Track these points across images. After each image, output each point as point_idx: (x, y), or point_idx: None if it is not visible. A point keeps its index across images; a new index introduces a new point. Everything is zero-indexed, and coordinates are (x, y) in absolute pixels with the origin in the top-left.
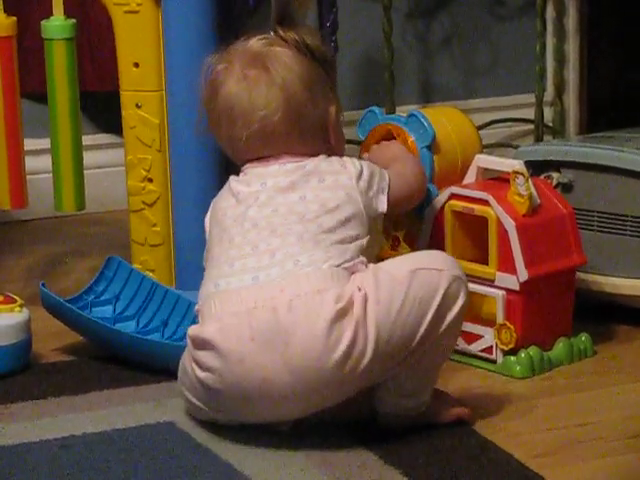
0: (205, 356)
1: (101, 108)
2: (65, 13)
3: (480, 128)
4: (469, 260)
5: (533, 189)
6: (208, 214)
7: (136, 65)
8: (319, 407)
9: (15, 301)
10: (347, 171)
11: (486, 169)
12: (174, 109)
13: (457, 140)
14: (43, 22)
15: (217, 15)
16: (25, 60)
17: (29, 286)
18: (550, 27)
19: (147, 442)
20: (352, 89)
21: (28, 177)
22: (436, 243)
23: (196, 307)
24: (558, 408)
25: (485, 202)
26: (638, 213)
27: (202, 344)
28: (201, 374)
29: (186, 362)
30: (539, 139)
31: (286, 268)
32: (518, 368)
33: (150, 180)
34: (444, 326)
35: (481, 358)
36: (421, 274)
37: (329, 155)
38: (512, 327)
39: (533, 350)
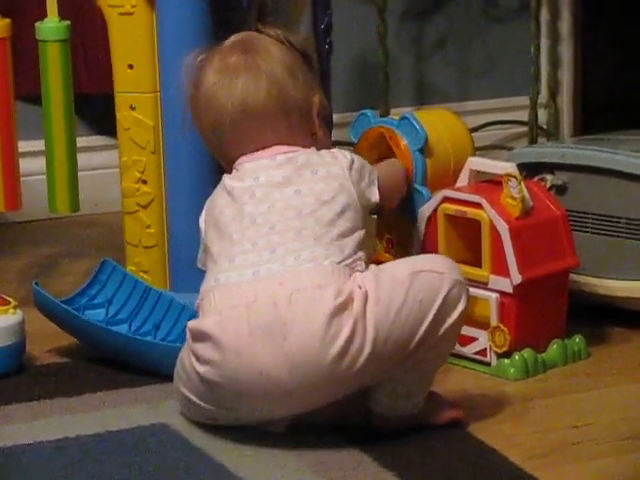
0: (204, 348)
1: (95, 110)
2: (59, 15)
3: (474, 130)
4: (462, 263)
5: (526, 192)
6: (203, 214)
7: (130, 67)
8: (315, 404)
9: (9, 303)
10: (338, 162)
11: (479, 172)
12: (168, 111)
13: (450, 143)
14: (37, 24)
15: (211, 16)
16: (20, 62)
17: (23, 288)
18: (544, 29)
19: (141, 444)
20: (346, 91)
21: (22, 179)
22: (429, 246)
23: (196, 302)
24: (552, 410)
25: (478, 205)
26: (632, 215)
27: (201, 336)
28: (199, 367)
29: (184, 357)
30: (533, 141)
31: (287, 263)
32: (512, 370)
33: (144, 182)
34: (443, 330)
35: (475, 360)
36: (422, 276)
37: (318, 149)
38: (506, 330)
39: (527, 352)
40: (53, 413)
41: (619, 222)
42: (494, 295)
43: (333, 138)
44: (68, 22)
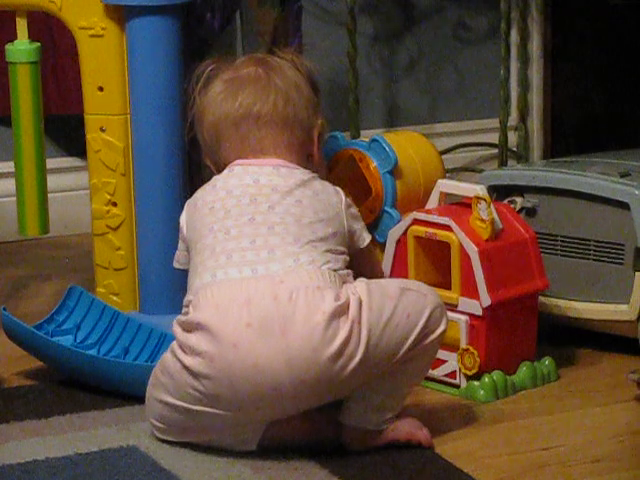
0: (197, 339)
1: (65, 131)
2: (30, 37)
3: (445, 152)
4: (432, 285)
5: (495, 214)
6: (184, 213)
7: (100, 89)
8: (302, 406)
9: None
10: (339, 196)
11: (448, 194)
12: (139, 133)
13: (420, 165)
14: (7, 46)
15: (182, 39)
16: None
17: None
18: (514, 52)
19: (110, 466)
20: None
21: None
22: (399, 268)
23: (186, 299)
24: (522, 432)
25: (447, 227)
26: (601, 238)
27: (195, 327)
28: (188, 359)
29: (167, 357)
30: (503, 163)
31: (287, 264)
32: (482, 393)
33: (114, 204)
34: (422, 348)
35: (445, 383)
36: (409, 294)
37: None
38: (475, 352)
39: (497, 375)
40: (22, 436)
41: (588, 244)
42: (463, 317)
43: None
44: (38, 44)
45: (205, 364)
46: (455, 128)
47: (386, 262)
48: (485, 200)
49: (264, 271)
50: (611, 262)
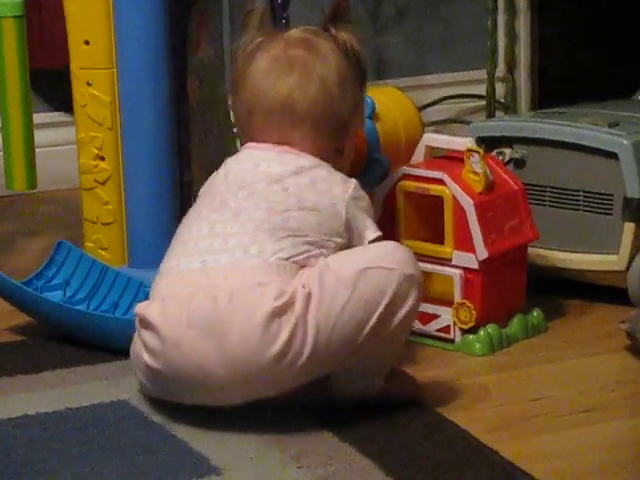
0: (148, 336)
1: (52, 86)
2: None
3: (432, 104)
4: (422, 240)
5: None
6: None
7: (87, 43)
8: (256, 398)
9: None
10: (344, 187)
11: (434, 148)
12: (125, 87)
13: (401, 119)
14: None
15: None
16: None
17: None
18: (501, 4)
19: (101, 421)
20: None
21: None
22: (387, 224)
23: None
24: (512, 383)
25: (440, 181)
26: (590, 188)
27: (145, 324)
28: (145, 355)
29: (135, 340)
30: (491, 115)
31: (235, 257)
32: (478, 346)
33: (102, 158)
34: (393, 325)
35: (438, 338)
36: (370, 274)
37: (337, 167)
38: (471, 306)
39: (491, 328)
40: (12, 391)
41: (577, 195)
42: (458, 271)
43: None
44: None
45: (157, 361)
46: (442, 80)
47: (375, 212)
48: (478, 153)
49: (213, 263)
50: (600, 212)
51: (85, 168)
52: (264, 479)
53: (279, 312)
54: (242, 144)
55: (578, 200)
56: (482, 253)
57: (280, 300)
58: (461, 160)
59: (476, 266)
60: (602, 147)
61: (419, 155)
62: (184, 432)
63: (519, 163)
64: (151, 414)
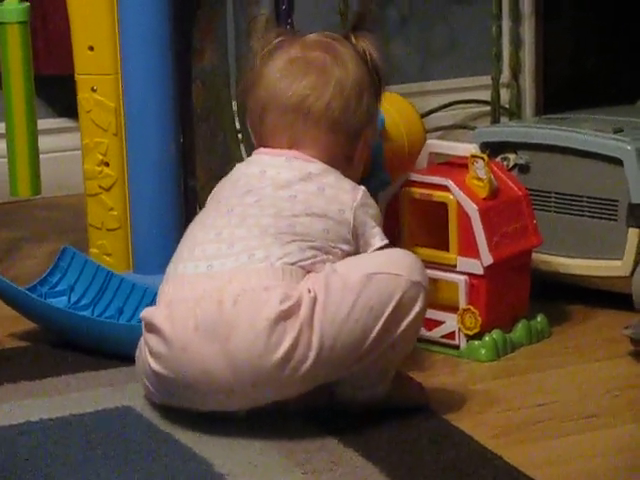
0: (154, 340)
1: (56, 92)
2: None
3: (437, 110)
4: (426, 246)
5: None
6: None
7: (91, 48)
8: (261, 402)
9: None
10: (352, 195)
11: (438, 154)
12: (130, 92)
13: (404, 126)
14: None
15: None
16: None
17: None
18: (506, 9)
19: (105, 427)
20: None
21: None
22: (391, 231)
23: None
24: (517, 389)
25: (444, 187)
26: (595, 194)
27: (151, 328)
28: (151, 360)
29: (141, 345)
30: (496, 120)
31: (240, 261)
32: (483, 352)
33: (106, 164)
34: (399, 331)
35: (443, 344)
36: (376, 279)
37: (347, 175)
38: (476, 312)
39: (496, 333)
40: (16, 397)
41: (582, 201)
42: (463, 277)
43: None
44: (28, 4)
45: (162, 365)
46: (447, 85)
47: None
48: (483, 159)
49: (219, 267)
50: (604, 218)
51: (90, 174)
52: None
53: (284, 316)
54: (254, 146)
55: (582, 206)
56: (487, 259)
57: (285, 304)
58: (465, 166)
59: (481, 272)
60: (606, 153)
61: (423, 161)
62: (188, 438)
63: (523, 169)
64: (156, 420)
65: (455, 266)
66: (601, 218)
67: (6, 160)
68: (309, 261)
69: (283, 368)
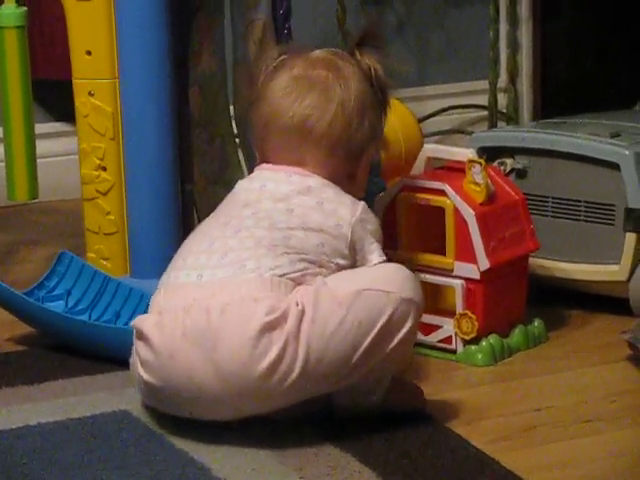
0: (143, 348)
1: (54, 96)
2: (16, 1)
3: (434, 115)
4: (423, 251)
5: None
6: None
7: (88, 53)
8: (248, 413)
9: None
10: (351, 209)
11: (435, 159)
12: (127, 97)
13: (401, 132)
14: None
15: (169, 3)
16: None
17: None
18: (503, 14)
19: (102, 431)
20: None
21: None
22: (388, 236)
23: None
24: (514, 394)
25: (441, 192)
26: (592, 198)
27: (141, 336)
28: (140, 370)
29: (133, 353)
30: (493, 125)
31: (231, 271)
32: (480, 357)
33: (104, 168)
34: (389, 347)
35: (440, 349)
36: (366, 296)
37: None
38: (473, 316)
39: (493, 338)
40: (14, 401)
41: (579, 205)
42: (459, 282)
43: None
44: (25, 8)
45: (151, 374)
46: (444, 90)
47: None
48: (480, 164)
49: (210, 276)
50: (602, 223)
51: (87, 178)
52: None
53: (269, 327)
54: (256, 159)
55: (579, 210)
56: (484, 264)
57: (271, 316)
58: (462, 171)
59: (478, 277)
60: (604, 157)
61: (420, 166)
62: (186, 443)
63: (520, 173)
64: (153, 424)
65: (452, 271)
66: (598, 223)
67: (3, 164)
68: (299, 273)
69: (269, 379)
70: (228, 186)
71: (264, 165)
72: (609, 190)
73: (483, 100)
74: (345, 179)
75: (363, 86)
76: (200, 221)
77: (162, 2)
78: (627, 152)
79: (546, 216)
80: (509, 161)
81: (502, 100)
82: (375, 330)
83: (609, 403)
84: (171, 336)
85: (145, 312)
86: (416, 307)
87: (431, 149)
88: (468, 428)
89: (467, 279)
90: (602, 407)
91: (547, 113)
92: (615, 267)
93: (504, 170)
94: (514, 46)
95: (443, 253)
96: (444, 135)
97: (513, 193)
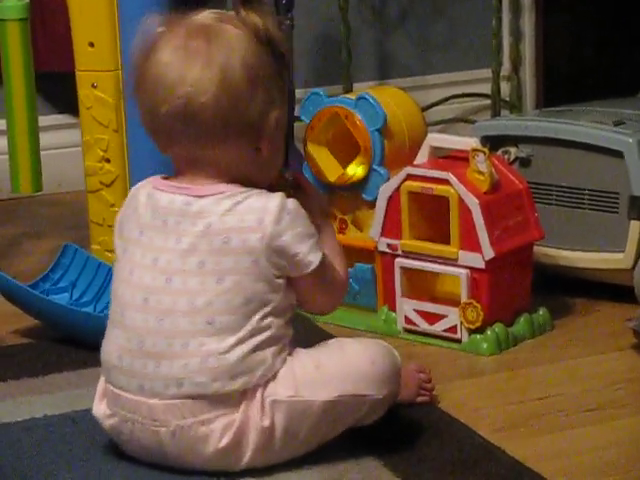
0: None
1: (57, 89)
2: None
3: (437, 103)
4: (427, 240)
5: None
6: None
7: (91, 45)
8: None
9: None
10: (262, 228)
11: (437, 148)
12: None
13: (405, 121)
14: None
15: None
16: None
17: None
18: (506, 2)
19: None
20: (309, 66)
21: None
22: (391, 225)
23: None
24: (519, 382)
25: (445, 181)
26: (596, 187)
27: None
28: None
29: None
30: (496, 114)
31: (170, 391)
32: (485, 346)
33: (107, 160)
34: (360, 424)
35: (445, 338)
36: (341, 403)
37: (259, 169)
38: (478, 305)
39: (498, 327)
40: (19, 394)
41: (583, 194)
42: (465, 271)
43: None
44: (27, 1)
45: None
46: (447, 79)
47: (377, 220)
48: (484, 152)
49: (149, 389)
50: (606, 211)
51: (91, 170)
52: None
53: (228, 448)
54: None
55: (584, 199)
56: (488, 253)
57: (225, 439)
58: (465, 160)
59: (482, 266)
60: (607, 145)
61: (423, 155)
62: None
63: (524, 162)
64: None
65: (457, 260)
66: (602, 211)
67: (7, 157)
68: (260, 355)
69: (221, 460)
70: None
71: (156, 181)
72: (613, 178)
73: (486, 89)
74: (251, 155)
75: (250, 46)
76: None
77: None
78: (631, 140)
79: (550, 204)
80: (513, 150)
81: (505, 88)
82: (347, 426)
83: (615, 391)
84: (128, 440)
85: None
86: (386, 402)
87: (434, 138)
88: (474, 417)
89: (472, 268)
90: (607, 395)
91: (550, 101)
92: (620, 255)
93: (508, 159)
94: (517, 34)
95: (447, 242)
96: (447, 124)
97: (517, 182)
